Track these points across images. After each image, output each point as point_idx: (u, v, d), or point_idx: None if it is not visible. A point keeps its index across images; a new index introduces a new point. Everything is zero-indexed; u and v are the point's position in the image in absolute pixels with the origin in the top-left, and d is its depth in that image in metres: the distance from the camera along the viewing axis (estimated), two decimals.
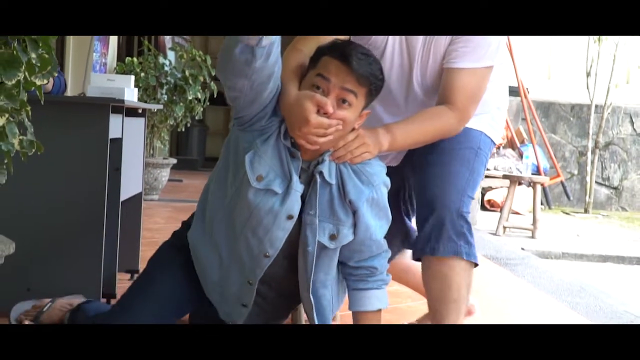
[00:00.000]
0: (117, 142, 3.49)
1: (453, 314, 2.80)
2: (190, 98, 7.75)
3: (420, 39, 2.77)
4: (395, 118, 2.85)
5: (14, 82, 2.34)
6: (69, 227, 3.30)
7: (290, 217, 2.59)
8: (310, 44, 2.68)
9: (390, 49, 2.81)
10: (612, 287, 5.57)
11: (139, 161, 4.06)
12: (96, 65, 7.86)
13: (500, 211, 7.99)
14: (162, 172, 7.91)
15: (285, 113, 2.55)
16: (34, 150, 2.47)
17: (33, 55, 2.32)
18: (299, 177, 2.59)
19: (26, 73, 2.35)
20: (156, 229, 5.89)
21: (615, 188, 11.79)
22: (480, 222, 8.40)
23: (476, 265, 2.83)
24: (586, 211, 10.91)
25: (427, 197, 2.78)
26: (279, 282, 2.72)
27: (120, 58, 8.91)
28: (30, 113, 2.45)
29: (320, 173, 2.58)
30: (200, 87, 7.83)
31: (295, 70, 2.63)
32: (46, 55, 2.37)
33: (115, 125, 3.44)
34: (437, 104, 2.77)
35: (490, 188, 10.25)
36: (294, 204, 2.58)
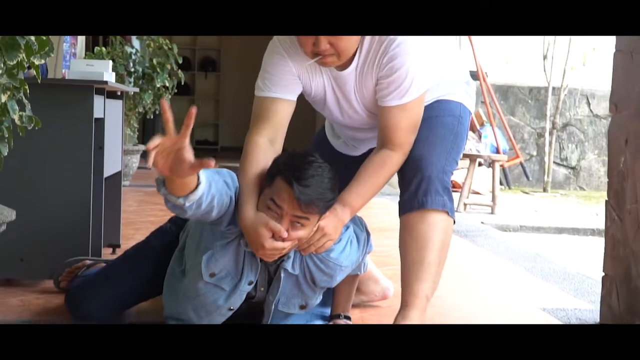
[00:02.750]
0: (100, 122, 3.71)
1: (427, 277, 2.84)
2: (158, 86, 7.93)
3: (351, 86, 2.86)
4: (353, 125, 3.00)
5: (14, 62, 2.57)
6: (58, 201, 3.52)
7: (231, 310, 2.81)
8: (268, 130, 2.79)
9: (330, 96, 2.91)
10: (566, 255, 5.85)
11: (118, 141, 4.29)
12: (66, 55, 8.00)
13: (461, 190, 8.25)
14: (132, 158, 8.09)
15: (243, 231, 2.65)
16: (32, 125, 2.70)
17: (32, 38, 2.55)
18: (261, 270, 2.77)
19: (23, 55, 2.58)
20: (131, 211, 6.10)
21: (573, 168, 12.06)
22: None
23: (454, 222, 2.91)
24: (545, 190, 11.18)
25: (413, 157, 2.85)
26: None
27: (88, 48, 9.06)
28: (28, 91, 2.68)
29: (285, 269, 2.76)
30: (167, 75, 8.01)
31: (253, 182, 2.67)
32: (43, 38, 2.60)
33: (98, 106, 3.66)
34: (378, 139, 2.85)
35: None
36: (237, 301, 2.79)
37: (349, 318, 3.02)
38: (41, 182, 3.50)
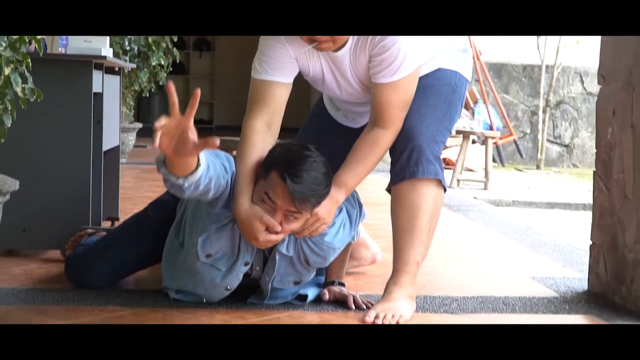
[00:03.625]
0: (99, 97, 3.78)
1: (417, 244, 2.92)
2: (153, 64, 7.98)
3: (347, 65, 2.89)
4: (352, 100, 3.06)
5: (17, 36, 2.64)
6: (58, 174, 3.60)
7: (228, 289, 2.88)
8: (266, 113, 2.83)
9: (328, 75, 2.95)
10: (557, 228, 5.94)
11: (116, 116, 4.36)
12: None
13: (454, 167, 8.33)
14: (129, 136, 8.16)
15: (238, 223, 2.71)
16: (34, 97, 2.78)
17: None
18: (257, 251, 2.83)
19: None
20: (128, 187, 6.18)
21: (566, 146, 12.13)
22: None
23: (445, 191, 2.97)
24: (538, 168, 11.26)
25: (405, 128, 2.89)
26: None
27: None
28: (30, 65, 2.75)
29: (279, 251, 2.83)
30: (162, 54, 8.06)
31: (250, 171, 2.72)
32: None
33: (97, 80, 3.73)
34: (370, 116, 2.90)
35: (445, 147, 10.58)
36: (234, 280, 2.86)
37: (342, 284, 3.10)
38: (42, 155, 3.58)
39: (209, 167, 2.59)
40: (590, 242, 3.44)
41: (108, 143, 4.01)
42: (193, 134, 2.38)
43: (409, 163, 2.90)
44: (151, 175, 7.09)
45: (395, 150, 2.93)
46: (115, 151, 4.36)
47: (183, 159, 2.47)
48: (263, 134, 2.82)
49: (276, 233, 2.67)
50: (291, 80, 2.92)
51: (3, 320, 2.68)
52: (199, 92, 2.30)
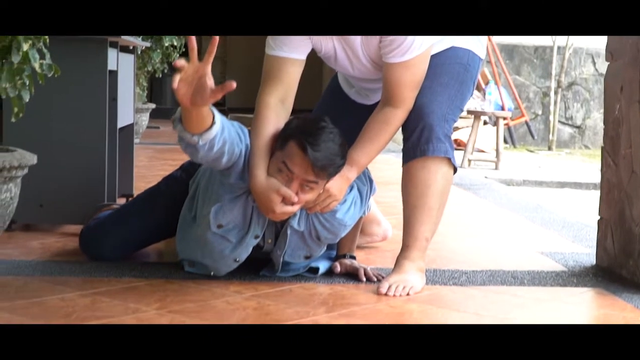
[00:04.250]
0: (113, 75, 3.84)
1: (427, 220, 2.96)
2: (166, 45, 8.03)
3: (358, 44, 2.93)
4: (364, 77, 3.09)
5: None
6: (75, 150, 3.67)
7: (236, 261, 2.93)
8: (279, 89, 2.88)
9: (341, 54, 2.98)
10: (567, 206, 5.98)
11: (130, 94, 4.42)
12: None
13: (465, 147, 8.37)
14: (142, 116, 8.21)
15: (254, 196, 2.76)
16: (52, 72, 2.83)
17: None
18: (269, 225, 2.88)
19: None
20: (142, 165, 6.25)
21: (578, 127, 12.15)
22: None
23: (455, 171, 3.02)
24: (550, 149, 11.29)
25: (416, 106, 2.92)
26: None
27: None
28: (47, 41, 2.81)
29: (291, 226, 2.89)
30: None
31: (265, 144, 2.77)
32: None
33: (112, 58, 3.78)
34: (382, 95, 2.94)
35: (457, 128, 10.62)
36: (243, 253, 2.92)
37: (354, 257, 3.16)
38: (58, 131, 3.65)
39: (224, 129, 2.65)
40: (599, 217, 3.49)
41: (123, 120, 4.07)
42: (210, 80, 2.45)
43: (420, 141, 2.94)
44: (164, 155, 7.16)
45: (407, 128, 2.97)
46: (129, 129, 4.42)
47: (199, 111, 2.53)
48: (277, 110, 2.87)
49: (292, 204, 2.72)
50: (304, 57, 2.96)
51: (21, 290, 2.74)
52: (217, 38, 2.36)
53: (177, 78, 2.39)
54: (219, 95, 2.48)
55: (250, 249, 2.92)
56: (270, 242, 2.94)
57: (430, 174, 2.96)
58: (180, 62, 2.39)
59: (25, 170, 2.90)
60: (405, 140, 2.99)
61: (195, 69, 2.43)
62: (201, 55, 2.42)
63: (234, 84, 2.39)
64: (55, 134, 3.65)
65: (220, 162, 2.72)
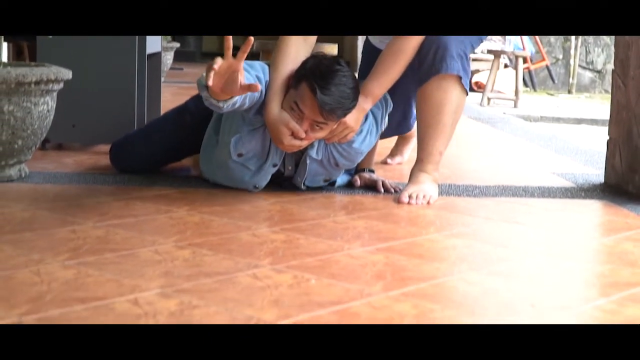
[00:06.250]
0: None
1: (441, 137, 3.12)
2: None
3: None
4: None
5: None
6: (106, 74, 3.85)
7: (256, 187, 3.09)
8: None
9: None
10: (583, 138, 6.10)
11: None
12: None
13: (484, 86, 8.48)
14: (167, 55, 8.36)
15: (267, 126, 2.90)
16: None
17: None
18: (289, 154, 3.03)
19: None
20: (167, 100, 6.38)
21: (599, 71, 12.20)
22: (467, 100, 8.87)
23: (467, 94, 3.16)
24: (569, 92, 11.38)
25: (432, 37, 3.05)
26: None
27: None
28: None
29: (309, 156, 3.03)
30: None
31: (282, 80, 2.90)
32: None
33: None
34: None
35: (478, 71, 10.72)
36: (262, 180, 3.07)
37: (372, 171, 3.32)
38: (90, 54, 3.82)
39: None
40: (607, 138, 3.62)
41: (151, 47, 4.22)
42: (242, 76, 2.61)
43: (434, 60, 3.06)
44: (188, 91, 7.27)
45: (421, 52, 3.07)
46: (157, 58, 4.57)
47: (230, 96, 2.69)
48: (297, 46, 2.98)
49: (300, 139, 2.87)
50: None
51: (59, 195, 2.92)
52: (251, 39, 2.51)
53: (211, 74, 2.54)
54: (246, 92, 2.65)
55: (269, 176, 3.08)
56: (291, 169, 3.09)
57: (444, 94, 3.10)
58: (217, 62, 2.53)
59: (61, 85, 3.07)
60: (420, 63, 3.09)
61: (229, 65, 2.58)
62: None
63: (259, 87, 2.58)
64: (87, 56, 3.83)
65: (242, 108, 2.86)
